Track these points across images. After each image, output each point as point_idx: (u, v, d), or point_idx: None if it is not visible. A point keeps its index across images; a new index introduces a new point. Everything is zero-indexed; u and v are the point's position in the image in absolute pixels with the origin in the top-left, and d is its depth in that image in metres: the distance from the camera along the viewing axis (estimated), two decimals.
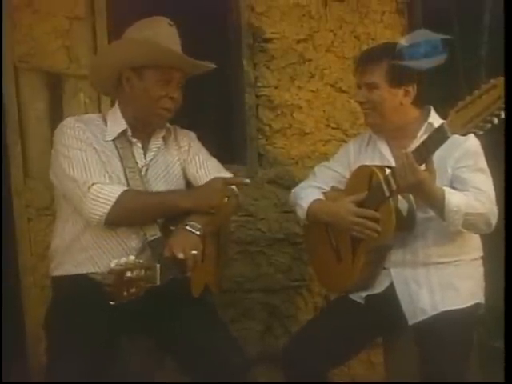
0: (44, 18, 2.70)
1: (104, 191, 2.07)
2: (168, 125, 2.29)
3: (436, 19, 2.89)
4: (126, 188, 2.12)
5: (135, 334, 2.27)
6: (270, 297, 3.02)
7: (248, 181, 2.24)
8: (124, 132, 2.20)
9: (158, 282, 1.92)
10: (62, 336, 2.10)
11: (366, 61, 2.28)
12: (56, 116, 2.69)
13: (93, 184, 2.07)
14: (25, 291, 2.77)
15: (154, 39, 2.11)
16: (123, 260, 1.83)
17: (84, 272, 2.17)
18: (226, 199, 2.17)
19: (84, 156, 2.11)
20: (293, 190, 2.51)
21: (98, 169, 2.11)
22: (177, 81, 2.18)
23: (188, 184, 2.34)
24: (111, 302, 1.83)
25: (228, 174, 2.35)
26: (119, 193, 2.07)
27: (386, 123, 2.28)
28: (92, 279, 2.17)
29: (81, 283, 2.17)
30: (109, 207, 2.06)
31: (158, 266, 1.92)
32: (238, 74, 3.06)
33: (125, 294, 1.83)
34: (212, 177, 2.28)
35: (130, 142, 2.21)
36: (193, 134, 2.39)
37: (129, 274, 1.82)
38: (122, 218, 2.11)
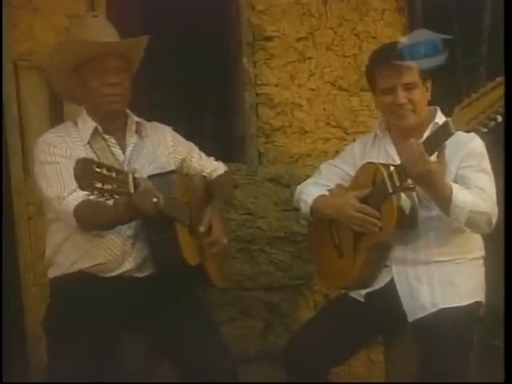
0: (44, 16, 2.70)
1: (70, 203, 2.09)
2: (136, 118, 2.30)
3: (436, 18, 2.89)
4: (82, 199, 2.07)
5: (132, 331, 2.27)
6: (270, 295, 3.02)
7: None
8: (96, 131, 2.22)
9: (132, 190, 1.86)
10: (61, 335, 2.11)
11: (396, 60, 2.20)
12: (56, 114, 2.69)
13: (64, 198, 2.10)
14: (25, 289, 2.77)
15: (76, 36, 2.19)
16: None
17: (82, 268, 2.19)
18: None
19: (58, 169, 2.13)
20: (298, 187, 2.52)
21: (71, 178, 2.12)
22: (113, 66, 2.18)
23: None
24: (84, 191, 1.76)
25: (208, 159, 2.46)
26: (74, 205, 2.08)
27: (418, 122, 2.25)
28: (90, 274, 2.19)
29: (79, 279, 2.19)
30: (74, 219, 2.09)
31: (131, 175, 1.88)
32: (238, 72, 3.06)
33: (98, 185, 1.75)
34: (204, 161, 2.43)
35: (106, 140, 2.22)
36: (168, 127, 2.41)
37: (97, 169, 1.75)
38: (86, 226, 2.12)
